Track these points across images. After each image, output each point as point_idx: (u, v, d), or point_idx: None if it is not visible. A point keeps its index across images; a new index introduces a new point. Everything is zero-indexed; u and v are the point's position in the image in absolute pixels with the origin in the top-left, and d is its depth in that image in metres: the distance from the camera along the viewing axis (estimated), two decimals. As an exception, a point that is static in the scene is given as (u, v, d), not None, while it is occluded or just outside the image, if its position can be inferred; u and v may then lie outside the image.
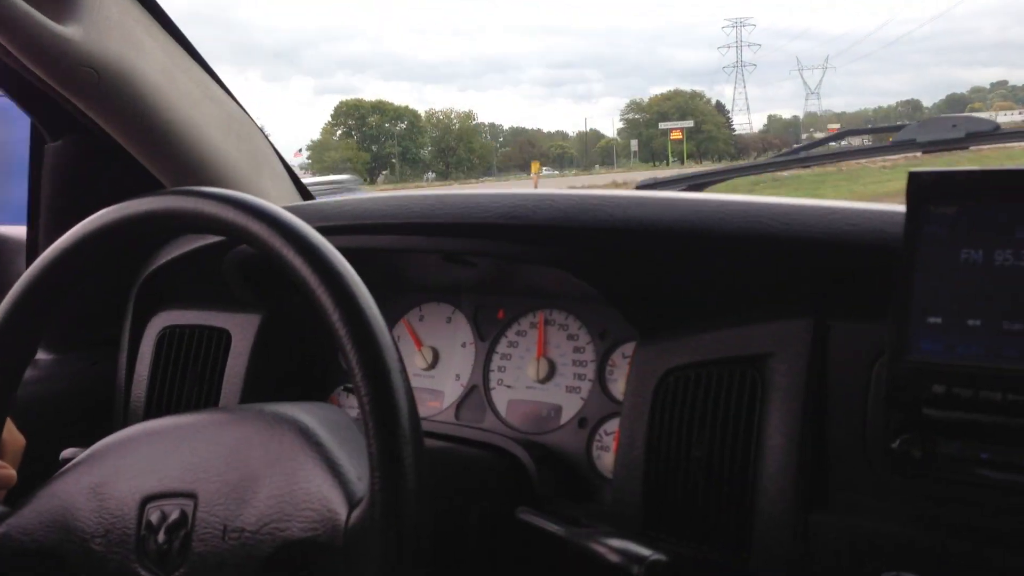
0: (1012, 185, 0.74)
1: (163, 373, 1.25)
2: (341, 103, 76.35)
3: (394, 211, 1.11)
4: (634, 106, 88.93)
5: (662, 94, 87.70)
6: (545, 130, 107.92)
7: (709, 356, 0.91)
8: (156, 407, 1.24)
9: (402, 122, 77.21)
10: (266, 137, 1.48)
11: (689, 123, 76.30)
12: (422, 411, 1.20)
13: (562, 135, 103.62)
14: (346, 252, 0.70)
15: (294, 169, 1.51)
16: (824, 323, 0.86)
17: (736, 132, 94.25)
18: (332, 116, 74.74)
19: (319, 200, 1.46)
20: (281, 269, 0.68)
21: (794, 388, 0.86)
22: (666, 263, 0.96)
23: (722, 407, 0.89)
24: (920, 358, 0.75)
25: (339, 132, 74.48)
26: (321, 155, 68.89)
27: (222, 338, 1.23)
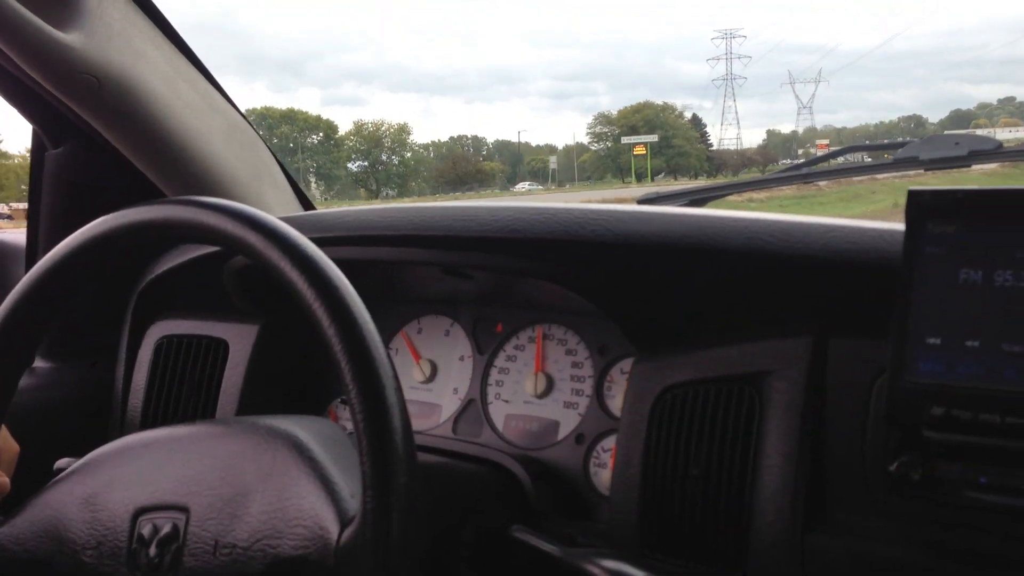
0: (1012, 205, 0.74)
1: (160, 382, 1.25)
2: (248, 111, 69.55)
3: (392, 223, 1.10)
4: (601, 119, 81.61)
5: (631, 106, 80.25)
6: (534, 143, 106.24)
7: (708, 374, 0.91)
8: (153, 417, 1.24)
9: (317, 134, 69.65)
10: (268, 147, 1.48)
11: (653, 138, 71.48)
12: (419, 424, 1.19)
13: (550, 148, 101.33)
14: (344, 263, 0.69)
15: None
16: (823, 341, 0.86)
17: (714, 147, 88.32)
18: (240, 126, 69.21)
19: (319, 211, 1.45)
20: (278, 281, 0.67)
21: (793, 407, 0.85)
22: (665, 279, 0.96)
23: (720, 425, 0.89)
24: (919, 379, 0.74)
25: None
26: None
27: (220, 348, 1.23)
